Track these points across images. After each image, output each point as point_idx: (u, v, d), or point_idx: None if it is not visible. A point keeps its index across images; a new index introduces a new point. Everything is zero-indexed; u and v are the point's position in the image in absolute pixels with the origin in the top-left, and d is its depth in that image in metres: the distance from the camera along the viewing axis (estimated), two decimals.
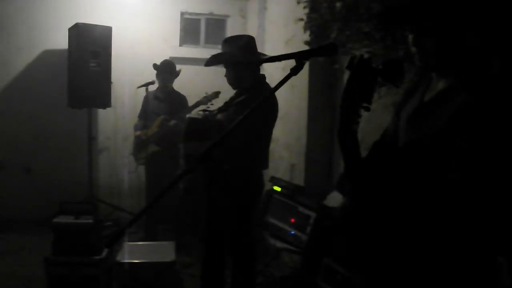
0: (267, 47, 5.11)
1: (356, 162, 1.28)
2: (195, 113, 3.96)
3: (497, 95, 1.14)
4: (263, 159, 2.87)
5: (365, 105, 1.24)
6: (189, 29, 5.93)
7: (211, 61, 2.89)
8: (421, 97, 1.36)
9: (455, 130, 1.15)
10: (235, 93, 2.93)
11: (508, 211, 1.13)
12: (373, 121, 2.78)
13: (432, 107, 1.27)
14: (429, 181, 1.19)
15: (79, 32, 4.50)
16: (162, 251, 3.45)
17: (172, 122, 4.35)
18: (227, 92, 3.09)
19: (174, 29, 5.74)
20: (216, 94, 4.18)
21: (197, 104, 4.24)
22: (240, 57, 2.77)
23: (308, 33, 3.48)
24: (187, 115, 4.15)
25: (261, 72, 2.91)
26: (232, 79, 2.86)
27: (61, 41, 4.95)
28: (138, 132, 4.60)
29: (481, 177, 1.12)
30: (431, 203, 1.17)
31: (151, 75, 4.57)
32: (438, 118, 1.21)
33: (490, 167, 1.12)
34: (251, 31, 5.51)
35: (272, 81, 2.65)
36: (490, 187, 1.12)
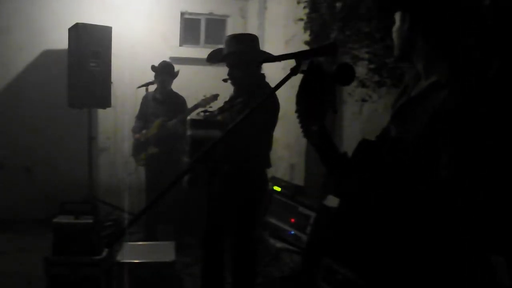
0: (267, 47, 5.11)
1: (333, 159, 1.31)
2: (195, 114, 3.95)
3: (475, 96, 1.16)
4: (265, 158, 2.87)
5: (331, 106, 1.30)
6: (189, 29, 5.93)
7: (216, 58, 2.84)
8: (408, 95, 1.39)
9: (435, 132, 1.18)
10: (235, 93, 2.92)
11: (501, 210, 1.13)
12: (373, 121, 2.78)
13: (415, 104, 1.30)
14: (416, 179, 1.21)
15: (79, 32, 4.50)
16: (162, 251, 3.45)
17: (171, 124, 4.35)
18: (225, 93, 3.08)
19: (174, 29, 5.74)
20: (215, 97, 4.16)
21: (195, 107, 4.23)
22: (249, 56, 2.73)
23: (308, 33, 3.48)
24: (188, 117, 4.15)
25: (261, 72, 2.90)
26: (237, 78, 2.81)
27: (61, 41, 4.94)
28: (137, 135, 4.60)
29: (468, 176, 1.13)
30: (420, 200, 1.18)
31: (151, 75, 4.56)
32: (419, 117, 1.25)
33: (474, 167, 1.13)
34: (251, 31, 5.50)
35: (272, 81, 2.65)
36: (477, 186, 1.14)
